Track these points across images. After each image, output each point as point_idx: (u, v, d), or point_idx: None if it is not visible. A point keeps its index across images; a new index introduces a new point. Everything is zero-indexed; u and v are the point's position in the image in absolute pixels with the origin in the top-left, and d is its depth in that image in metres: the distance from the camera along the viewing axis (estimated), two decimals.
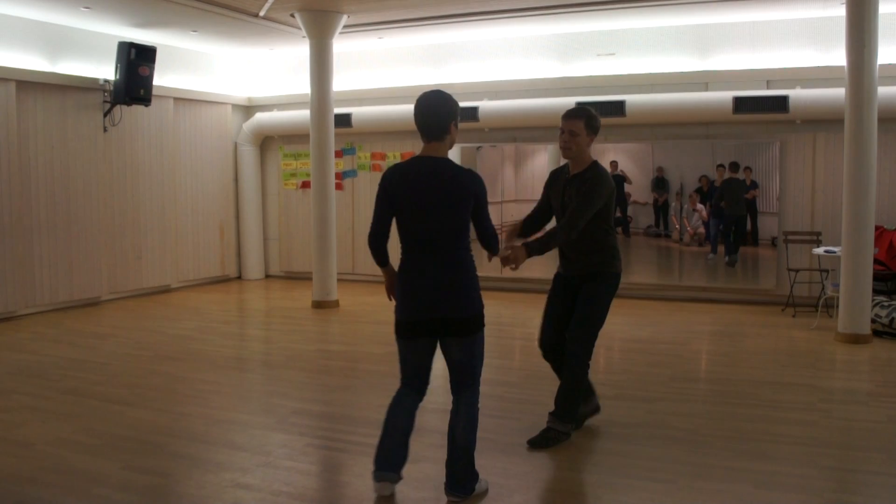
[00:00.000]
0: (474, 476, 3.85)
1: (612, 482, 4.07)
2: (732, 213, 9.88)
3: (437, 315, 3.66)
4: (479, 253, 3.85)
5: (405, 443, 3.81)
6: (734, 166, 9.75)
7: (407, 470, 3.93)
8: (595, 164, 4.66)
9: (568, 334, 4.61)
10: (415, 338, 3.74)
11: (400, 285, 3.76)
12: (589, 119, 4.62)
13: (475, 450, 3.83)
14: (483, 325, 3.77)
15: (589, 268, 4.64)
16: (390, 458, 3.78)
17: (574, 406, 4.64)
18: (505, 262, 4.15)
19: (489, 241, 3.85)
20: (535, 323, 8.89)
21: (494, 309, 9.71)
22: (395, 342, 3.84)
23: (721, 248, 10.09)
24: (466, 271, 3.71)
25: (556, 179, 4.81)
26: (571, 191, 4.55)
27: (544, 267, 11.08)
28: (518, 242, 4.35)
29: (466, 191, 3.65)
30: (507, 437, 4.78)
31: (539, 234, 4.51)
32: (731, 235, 10.02)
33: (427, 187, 3.63)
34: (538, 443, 4.58)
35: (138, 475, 4.24)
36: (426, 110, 3.67)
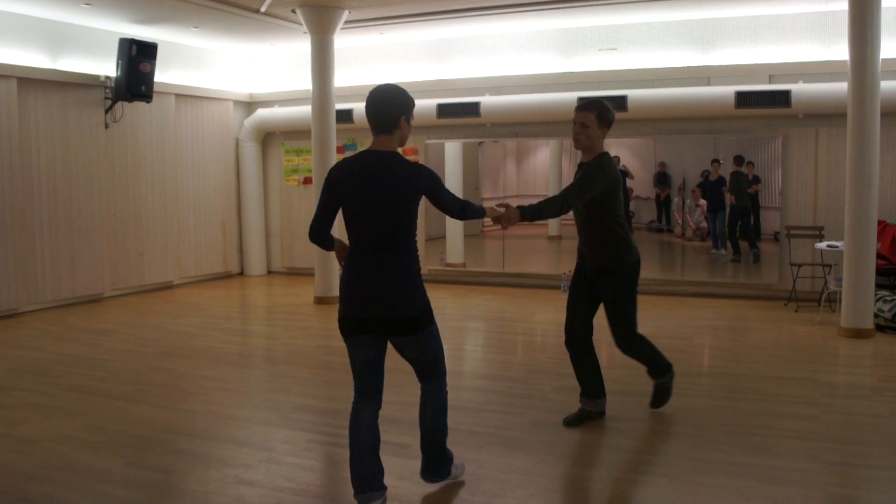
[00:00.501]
0: (448, 459, 3.91)
1: (614, 477, 4.08)
2: (740, 207, 9.89)
3: (381, 315, 3.55)
4: (429, 251, 3.84)
5: (375, 458, 3.65)
6: (739, 159, 9.75)
7: (408, 465, 3.94)
8: (601, 155, 4.69)
9: (615, 340, 4.95)
10: (358, 334, 3.62)
11: (343, 281, 3.67)
12: (601, 111, 4.60)
13: (446, 435, 3.87)
14: (432, 320, 3.69)
15: (604, 262, 4.76)
16: (365, 478, 3.60)
17: (657, 358, 5.03)
18: (497, 220, 4.24)
19: (465, 210, 3.81)
20: (537, 318, 8.94)
21: (497, 304, 9.78)
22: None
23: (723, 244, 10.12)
24: (409, 270, 3.61)
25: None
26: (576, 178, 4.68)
27: (545, 263, 11.12)
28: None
29: (411, 187, 3.53)
30: (509, 432, 4.79)
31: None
32: (736, 230, 10.02)
33: (371, 182, 3.51)
34: (662, 401, 5.12)
35: (141, 472, 4.24)
36: (375, 103, 3.56)
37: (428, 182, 3.60)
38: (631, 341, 4.94)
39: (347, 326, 3.65)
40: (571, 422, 4.90)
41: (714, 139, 9.87)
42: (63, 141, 9.45)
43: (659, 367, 5.04)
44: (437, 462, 3.87)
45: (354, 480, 3.63)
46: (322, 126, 9.61)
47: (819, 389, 5.69)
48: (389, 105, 3.56)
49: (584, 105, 4.66)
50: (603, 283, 4.79)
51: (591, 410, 4.96)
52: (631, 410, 5.21)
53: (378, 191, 3.50)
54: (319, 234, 3.70)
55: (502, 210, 4.29)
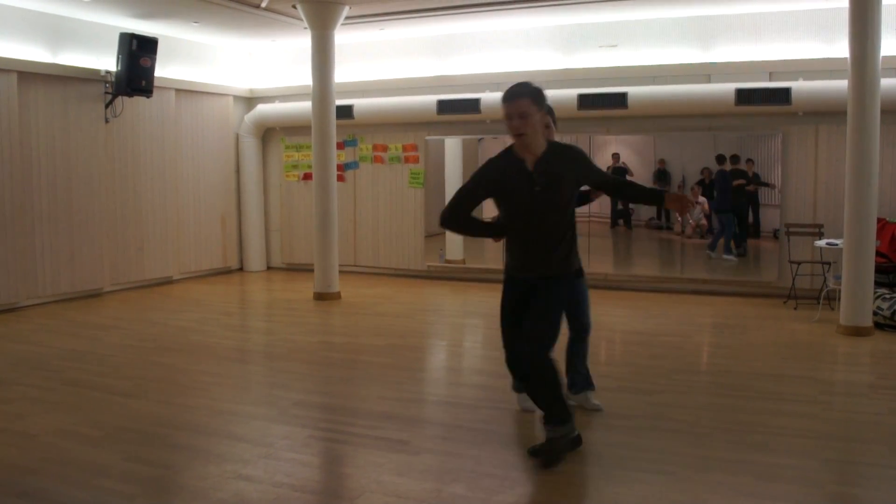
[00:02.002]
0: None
1: (613, 474, 4.08)
2: (726, 205, 9.96)
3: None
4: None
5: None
6: (720, 158, 9.80)
7: (407, 461, 3.94)
8: (557, 144, 4.26)
9: (521, 346, 4.23)
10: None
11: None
12: (534, 93, 4.03)
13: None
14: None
15: (557, 269, 4.20)
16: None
17: (560, 397, 4.24)
18: (686, 204, 4.22)
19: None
20: None
21: (496, 301, 9.70)
22: None
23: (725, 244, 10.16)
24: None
25: (506, 176, 4.13)
26: (543, 183, 4.06)
27: None
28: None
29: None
30: (508, 429, 4.80)
31: (643, 187, 4.54)
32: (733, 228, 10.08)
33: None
34: (548, 460, 4.19)
35: (140, 466, 4.24)
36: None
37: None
38: (545, 358, 4.16)
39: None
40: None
41: (714, 136, 9.87)
42: (63, 135, 9.43)
43: (558, 412, 4.20)
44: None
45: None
46: (322, 122, 9.60)
47: (818, 387, 5.69)
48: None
49: (514, 93, 4.02)
50: (543, 290, 4.18)
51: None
52: (630, 407, 5.22)
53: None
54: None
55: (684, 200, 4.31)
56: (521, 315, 4.26)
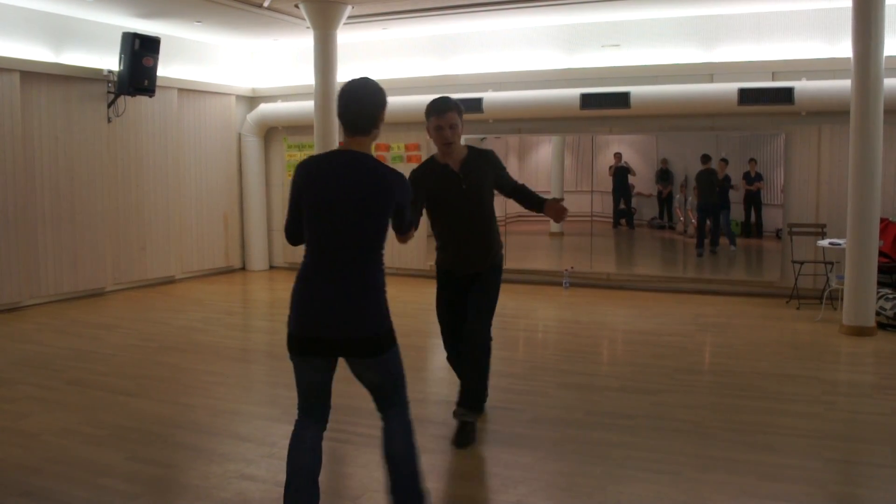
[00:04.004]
0: (425, 497, 3.34)
1: (616, 474, 4.08)
2: (707, 203, 10.00)
3: (338, 335, 3.11)
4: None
5: (313, 483, 3.21)
6: (705, 158, 9.83)
7: None
8: (473, 147, 4.69)
9: (471, 325, 4.54)
10: (308, 355, 3.21)
11: (297, 293, 3.20)
12: (460, 108, 4.52)
13: (420, 468, 3.34)
14: (395, 341, 3.23)
15: (492, 261, 4.67)
16: (300, 501, 3.17)
17: (485, 383, 4.84)
18: (561, 213, 4.52)
19: (404, 231, 3.55)
20: (538, 315, 8.94)
21: (499, 301, 9.74)
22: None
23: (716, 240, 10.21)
24: (374, 285, 3.16)
25: (433, 181, 4.52)
26: (469, 181, 4.51)
27: (547, 259, 11.11)
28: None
29: (391, 195, 3.14)
30: (511, 428, 4.79)
31: (535, 196, 4.74)
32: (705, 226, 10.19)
33: (344, 185, 3.10)
34: (467, 441, 4.50)
35: (143, 466, 4.25)
36: (355, 100, 3.17)
37: (406, 196, 3.26)
38: (488, 338, 4.63)
39: (297, 346, 3.20)
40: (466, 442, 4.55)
41: (717, 136, 9.86)
42: (66, 135, 9.44)
43: (479, 396, 4.74)
44: (411, 500, 3.30)
45: (286, 502, 3.21)
46: (324, 121, 9.61)
47: (821, 387, 5.69)
48: (369, 104, 3.19)
49: (444, 106, 4.45)
50: (481, 278, 4.62)
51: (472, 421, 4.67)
52: (633, 407, 5.22)
53: (351, 196, 3.09)
54: (294, 236, 3.33)
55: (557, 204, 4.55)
56: (459, 309, 4.66)
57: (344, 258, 3.13)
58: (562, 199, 4.55)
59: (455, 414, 4.63)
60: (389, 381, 3.28)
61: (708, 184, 10.00)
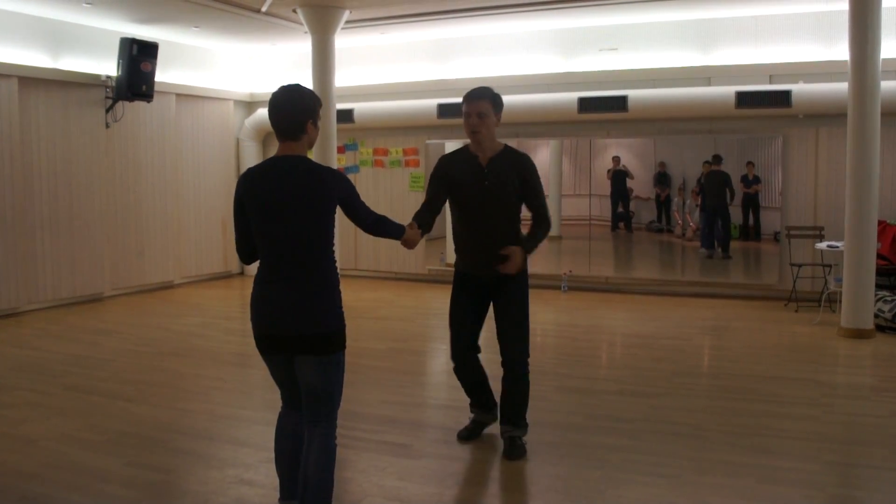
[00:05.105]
0: None
1: (615, 477, 4.08)
2: (712, 206, 10.02)
3: (290, 333, 3.23)
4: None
5: (296, 467, 3.40)
6: (717, 159, 9.84)
7: (408, 465, 3.93)
8: (512, 148, 4.43)
9: (509, 355, 4.35)
10: (271, 353, 3.36)
11: (254, 296, 3.38)
12: (494, 98, 4.31)
13: (331, 493, 3.36)
14: (343, 346, 3.32)
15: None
16: (286, 485, 3.46)
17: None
18: (504, 267, 4.13)
19: (380, 226, 3.55)
20: (537, 318, 8.87)
21: None
22: None
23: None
24: (326, 284, 3.27)
25: (458, 170, 4.35)
26: (493, 179, 4.26)
27: (545, 263, 11.11)
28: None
29: (329, 191, 3.22)
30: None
31: (526, 234, 4.36)
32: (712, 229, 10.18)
33: (282, 189, 3.20)
34: (518, 454, 4.39)
35: (142, 471, 4.24)
36: (279, 108, 3.26)
37: (346, 188, 3.32)
38: (526, 365, 4.40)
39: (259, 344, 3.38)
40: (467, 435, 4.64)
41: (714, 139, 9.87)
42: (64, 140, 9.44)
43: (521, 412, 4.46)
44: None
45: (279, 485, 3.50)
46: (322, 126, 9.58)
47: (819, 390, 5.69)
48: (293, 110, 3.26)
49: (476, 94, 4.29)
50: (507, 289, 4.35)
51: (485, 422, 4.71)
52: (631, 410, 5.21)
53: (291, 198, 3.19)
54: (247, 255, 3.43)
55: (509, 252, 4.14)
56: (474, 316, 4.44)
57: (294, 260, 3.24)
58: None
59: (503, 433, 4.46)
60: (325, 387, 3.30)
61: (717, 185, 9.98)
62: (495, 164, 4.29)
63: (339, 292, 3.33)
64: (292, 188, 3.20)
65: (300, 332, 3.22)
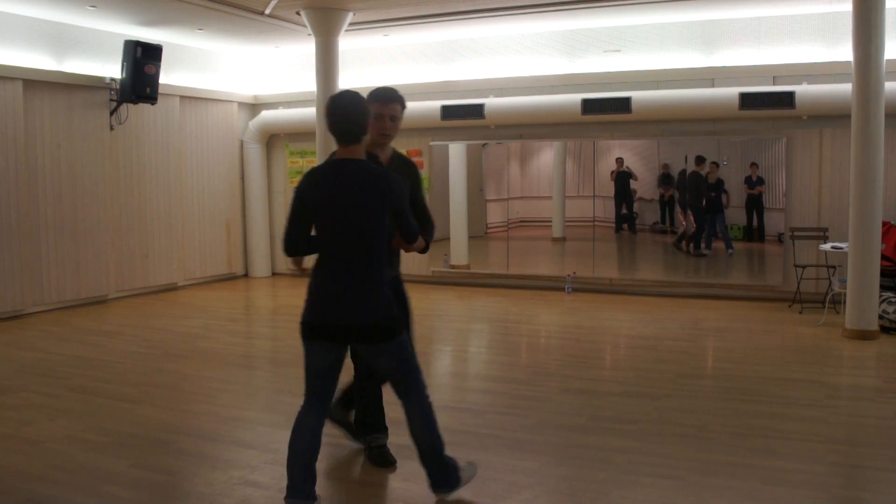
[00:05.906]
0: (453, 468, 3.78)
1: (619, 479, 4.08)
2: (690, 204, 10.06)
3: (346, 322, 3.54)
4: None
5: (309, 466, 3.59)
6: (699, 159, 9.89)
7: (414, 467, 3.93)
8: (402, 154, 4.32)
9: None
10: (320, 339, 3.62)
11: (312, 286, 3.63)
12: (403, 102, 4.18)
13: (443, 443, 3.75)
14: (400, 330, 3.64)
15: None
16: (296, 484, 3.56)
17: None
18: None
19: (412, 234, 3.73)
20: (541, 320, 8.94)
21: (501, 306, 9.78)
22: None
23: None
24: (377, 280, 3.56)
25: None
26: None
27: (550, 264, 11.12)
28: None
29: (389, 194, 3.52)
30: (514, 434, 4.79)
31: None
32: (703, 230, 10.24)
33: (349, 191, 3.49)
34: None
35: (146, 473, 4.25)
36: (344, 113, 3.51)
37: (403, 197, 3.60)
38: None
39: (311, 332, 3.64)
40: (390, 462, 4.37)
41: (718, 140, 9.87)
42: (68, 143, 9.47)
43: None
44: (442, 473, 3.75)
45: (288, 483, 3.58)
46: (326, 128, 9.60)
47: (824, 391, 5.68)
48: (358, 115, 3.52)
49: (388, 96, 4.12)
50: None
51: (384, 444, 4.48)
52: (635, 412, 5.21)
53: (356, 200, 3.48)
54: (295, 246, 3.64)
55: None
56: None
57: (351, 256, 3.52)
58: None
59: (378, 441, 4.45)
60: (400, 366, 3.68)
61: (692, 185, 10.03)
62: (392, 169, 4.11)
63: (387, 287, 3.62)
64: (359, 191, 3.48)
65: (357, 322, 3.52)
